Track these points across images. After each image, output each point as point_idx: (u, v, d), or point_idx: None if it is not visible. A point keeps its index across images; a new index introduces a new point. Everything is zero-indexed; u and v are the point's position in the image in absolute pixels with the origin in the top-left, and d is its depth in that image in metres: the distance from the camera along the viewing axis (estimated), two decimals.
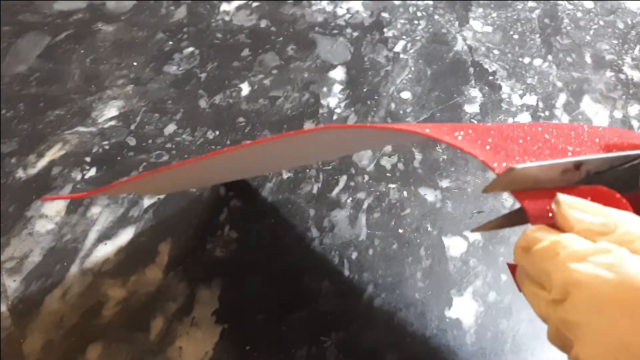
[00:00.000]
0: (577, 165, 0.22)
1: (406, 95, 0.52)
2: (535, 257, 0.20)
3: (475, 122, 0.50)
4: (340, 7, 0.60)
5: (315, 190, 0.45)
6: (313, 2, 0.61)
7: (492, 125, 0.26)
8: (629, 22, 0.59)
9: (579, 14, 0.59)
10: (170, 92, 0.52)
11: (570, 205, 0.20)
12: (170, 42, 0.56)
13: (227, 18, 0.59)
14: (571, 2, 0.61)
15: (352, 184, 0.45)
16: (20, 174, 0.45)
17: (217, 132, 0.49)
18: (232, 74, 0.54)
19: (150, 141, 0.48)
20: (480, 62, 0.55)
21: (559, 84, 0.54)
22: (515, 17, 0.59)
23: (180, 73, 0.54)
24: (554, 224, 0.21)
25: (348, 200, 0.44)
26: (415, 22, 0.59)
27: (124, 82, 0.53)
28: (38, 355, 0.36)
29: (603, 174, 0.23)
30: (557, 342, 0.20)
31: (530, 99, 0.52)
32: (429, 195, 0.44)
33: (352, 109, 0.51)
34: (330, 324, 0.37)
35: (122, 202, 0.43)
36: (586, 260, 0.18)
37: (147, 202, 0.44)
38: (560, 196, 0.20)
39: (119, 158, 0.47)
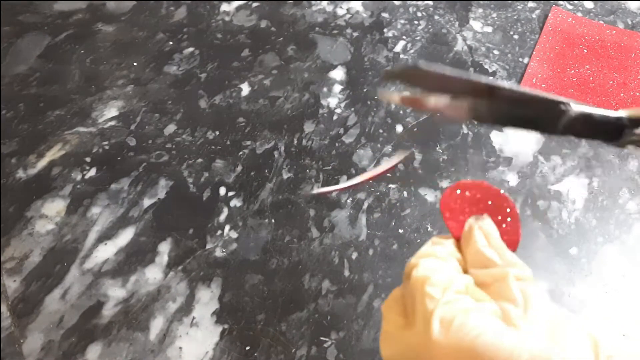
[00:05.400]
0: (490, 90, 0.23)
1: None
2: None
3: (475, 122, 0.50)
4: (340, 7, 0.60)
5: (315, 190, 0.45)
6: (313, 2, 0.61)
7: None
8: (629, 22, 0.59)
9: (579, 14, 0.59)
10: (170, 93, 0.52)
11: (481, 228, 0.23)
12: (170, 43, 0.56)
13: (227, 18, 0.59)
14: (571, 2, 0.61)
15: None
16: (21, 174, 0.45)
17: (217, 132, 0.49)
18: (232, 74, 0.54)
19: (150, 141, 0.48)
20: (480, 62, 0.55)
21: None
22: (515, 17, 0.59)
23: (180, 73, 0.54)
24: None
25: (348, 201, 0.44)
26: (415, 22, 0.59)
27: (124, 82, 0.53)
28: (38, 355, 0.36)
29: (522, 104, 0.23)
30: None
31: None
32: (429, 195, 0.44)
33: (352, 109, 0.51)
34: (330, 324, 0.37)
35: (122, 202, 0.43)
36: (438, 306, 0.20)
37: (147, 202, 0.44)
38: (472, 221, 0.24)
39: (119, 158, 0.47)
